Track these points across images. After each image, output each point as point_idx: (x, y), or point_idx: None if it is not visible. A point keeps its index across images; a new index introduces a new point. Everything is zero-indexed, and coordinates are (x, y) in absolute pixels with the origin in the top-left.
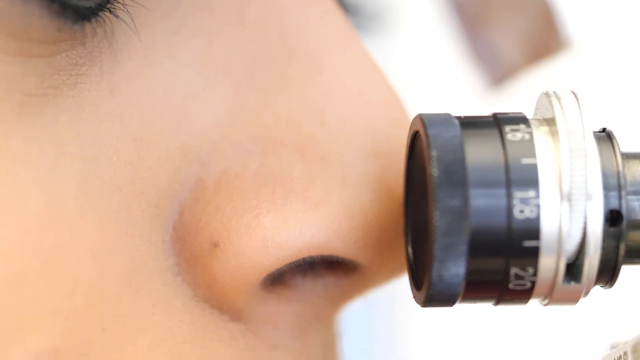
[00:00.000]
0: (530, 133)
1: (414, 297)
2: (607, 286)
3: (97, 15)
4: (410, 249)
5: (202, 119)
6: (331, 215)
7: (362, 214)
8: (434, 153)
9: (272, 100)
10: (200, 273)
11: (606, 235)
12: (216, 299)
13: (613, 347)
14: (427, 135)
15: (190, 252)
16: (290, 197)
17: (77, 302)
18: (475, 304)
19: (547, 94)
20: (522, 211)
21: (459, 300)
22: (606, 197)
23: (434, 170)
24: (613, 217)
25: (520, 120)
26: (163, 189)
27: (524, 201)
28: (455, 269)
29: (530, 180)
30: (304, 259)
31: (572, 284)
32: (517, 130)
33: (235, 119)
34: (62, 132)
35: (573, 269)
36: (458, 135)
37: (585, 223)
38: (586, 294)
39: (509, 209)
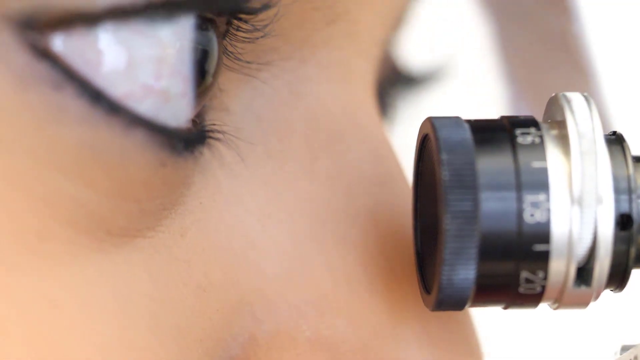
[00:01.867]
0: (541, 136)
1: (424, 301)
2: (617, 290)
3: (196, 147)
4: (419, 253)
5: (260, 273)
6: None
7: None
8: (444, 156)
9: (333, 263)
10: None
11: (617, 239)
12: None
13: (623, 350)
14: (437, 139)
15: None
16: None
17: None
18: (485, 307)
19: (557, 97)
20: (532, 215)
21: (468, 304)
22: (617, 201)
23: (444, 174)
24: (624, 221)
25: (530, 123)
26: (218, 341)
27: (535, 205)
28: (465, 273)
29: (541, 183)
30: None
31: (583, 287)
32: (528, 133)
33: (293, 278)
34: (136, 271)
35: (583, 273)
36: (468, 138)
37: (595, 227)
38: (596, 298)
39: (520, 213)
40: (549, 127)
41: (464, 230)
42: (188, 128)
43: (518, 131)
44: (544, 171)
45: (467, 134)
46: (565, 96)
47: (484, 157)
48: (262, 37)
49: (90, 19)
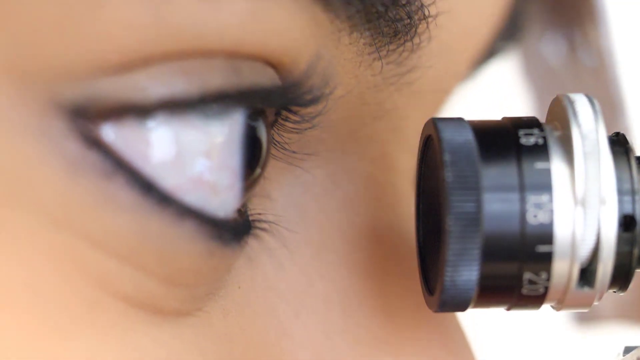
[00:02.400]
0: (544, 137)
1: (427, 302)
2: (621, 291)
3: (243, 237)
4: (422, 254)
5: None
6: None
7: None
8: (447, 157)
9: (364, 356)
10: None
11: (620, 240)
12: None
13: (626, 351)
14: (439, 140)
15: None
16: None
17: None
18: (488, 309)
19: (560, 98)
20: (535, 216)
21: (471, 306)
22: (620, 202)
23: (447, 175)
24: (627, 222)
25: (533, 124)
26: None
27: (538, 206)
28: (468, 274)
29: (544, 185)
30: None
31: (586, 289)
32: (531, 134)
33: None
34: (187, 345)
35: (586, 274)
36: (471, 139)
37: (599, 228)
38: (599, 298)
39: (523, 214)
40: (552, 128)
41: (467, 231)
42: (234, 218)
43: (521, 132)
44: (547, 172)
45: (470, 135)
46: (568, 97)
47: (487, 158)
48: (309, 128)
49: (142, 111)
